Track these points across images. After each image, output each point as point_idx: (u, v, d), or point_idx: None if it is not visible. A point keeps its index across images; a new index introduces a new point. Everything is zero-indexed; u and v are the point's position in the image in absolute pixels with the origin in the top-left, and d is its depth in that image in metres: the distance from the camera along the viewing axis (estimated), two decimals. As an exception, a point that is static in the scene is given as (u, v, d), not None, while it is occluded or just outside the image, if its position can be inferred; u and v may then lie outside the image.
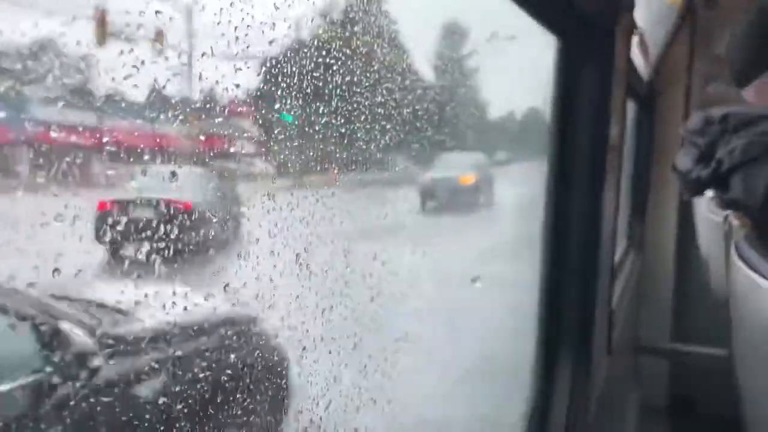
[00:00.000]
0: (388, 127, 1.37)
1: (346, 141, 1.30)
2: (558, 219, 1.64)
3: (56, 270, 0.79)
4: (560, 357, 1.64)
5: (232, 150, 1.22)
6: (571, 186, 1.63)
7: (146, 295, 1.08)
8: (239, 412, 1.28)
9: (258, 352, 1.40)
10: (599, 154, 1.65)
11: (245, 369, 1.35)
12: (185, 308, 1.09)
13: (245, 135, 1.27)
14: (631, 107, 2.94)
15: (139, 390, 1.29)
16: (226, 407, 1.27)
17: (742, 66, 1.80)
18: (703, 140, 2.00)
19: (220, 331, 1.42)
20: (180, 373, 1.30)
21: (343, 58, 1.20)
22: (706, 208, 2.08)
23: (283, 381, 1.36)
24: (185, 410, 1.22)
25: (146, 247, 0.96)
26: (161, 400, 1.25)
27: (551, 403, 1.61)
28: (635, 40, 2.12)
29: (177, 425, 1.22)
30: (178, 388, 1.27)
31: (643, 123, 3.98)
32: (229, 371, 1.34)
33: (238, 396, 1.26)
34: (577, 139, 1.62)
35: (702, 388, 3.89)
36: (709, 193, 2.18)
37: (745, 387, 1.46)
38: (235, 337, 1.45)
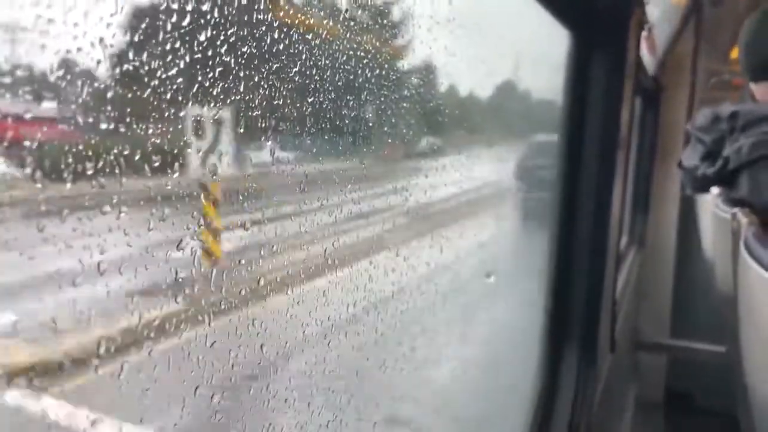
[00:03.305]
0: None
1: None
2: (567, 212, 1.64)
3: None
4: (566, 350, 1.64)
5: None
6: (581, 179, 1.62)
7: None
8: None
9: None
10: (609, 148, 1.64)
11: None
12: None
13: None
14: (635, 102, 2.93)
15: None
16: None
17: (759, 60, 1.80)
18: (710, 137, 1.99)
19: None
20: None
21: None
22: (712, 204, 2.08)
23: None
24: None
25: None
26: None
27: (556, 397, 1.61)
28: (643, 35, 2.11)
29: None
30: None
31: (647, 118, 3.97)
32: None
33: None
34: (588, 132, 1.61)
35: (700, 384, 3.92)
36: (715, 189, 2.18)
37: (753, 382, 1.47)
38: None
